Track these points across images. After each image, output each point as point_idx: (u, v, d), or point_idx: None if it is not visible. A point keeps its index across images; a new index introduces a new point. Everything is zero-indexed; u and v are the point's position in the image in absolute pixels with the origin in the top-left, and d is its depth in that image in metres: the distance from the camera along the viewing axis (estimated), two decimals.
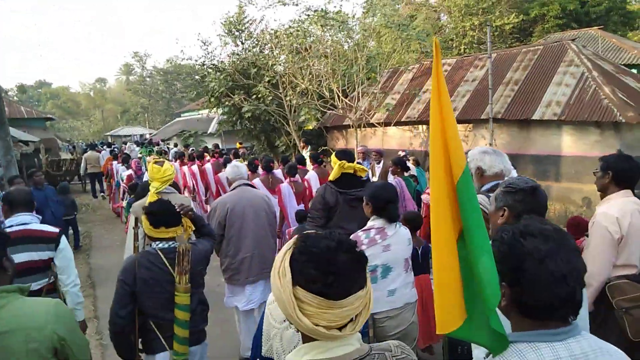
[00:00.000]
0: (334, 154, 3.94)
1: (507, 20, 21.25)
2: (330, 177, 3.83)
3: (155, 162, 3.89)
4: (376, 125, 12.85)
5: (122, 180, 10.23)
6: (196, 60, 15.73)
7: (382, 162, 7.87)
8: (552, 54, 11.13)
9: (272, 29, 14.61)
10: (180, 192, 4.75)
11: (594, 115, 9.16)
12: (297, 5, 13.29)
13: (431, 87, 1.47)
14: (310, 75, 12.24)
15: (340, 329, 1.11)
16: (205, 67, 15.94)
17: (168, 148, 20.58)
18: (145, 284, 2.52)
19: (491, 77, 10.36)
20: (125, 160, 12.11)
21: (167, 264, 2.54)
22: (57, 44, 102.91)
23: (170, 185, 3.89)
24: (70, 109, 61.87)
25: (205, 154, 11.59)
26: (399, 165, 5.84)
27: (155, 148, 18.78)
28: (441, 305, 1.26)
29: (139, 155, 15.96)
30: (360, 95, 11.93)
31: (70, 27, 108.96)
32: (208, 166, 9.00)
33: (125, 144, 23.21)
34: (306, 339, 1.17)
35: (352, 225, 3.46)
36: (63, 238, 3.04)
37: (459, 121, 11.81)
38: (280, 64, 12.27)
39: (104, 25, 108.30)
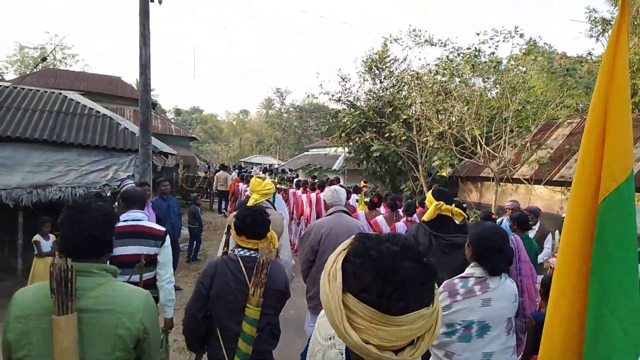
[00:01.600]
0: (429, 192, 3.67)
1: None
2: (425, 217, 3.52)
3: (258, 177, 3.95)
4: (523, 180, 11.23)
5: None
6: (333, 95, 15.70)
7: (538, 223, 6.49)
8: None
9: (414, 70, 14.03)
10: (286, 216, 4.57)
11: None
12: (444, 45, 12.53)
13: (602, 59, 1.18)
14: (450, 119, 11.23)
15: (396, 352, 0.94)
16: (340, 102, 15.83)
17: (292, 176, 20.90)
18: (220, 289, 2.50)
19: None
20: (248, 181, 12.39)
21: (245, 273, 2.50)
22: (211, 77, 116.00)
23: (267, 200, 3.95)
24: (214, 134, 67.97)
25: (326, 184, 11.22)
26: (518, 221, 5.18)
27: (285, 175, 19.15)
28: None
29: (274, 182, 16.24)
30: (506, 144, 10.55)
31: (225, 64, 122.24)
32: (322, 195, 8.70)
33: (251, 169, 24.18)
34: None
35: (443, 274, 3.06)
36: (167, 237, 3.24)
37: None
38: (418, 104, 11.47)
39: (254, 62, 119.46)
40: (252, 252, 2.59)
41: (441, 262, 3.33)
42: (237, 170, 19.09)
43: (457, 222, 3.58)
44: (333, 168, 24.37)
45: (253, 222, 2.57)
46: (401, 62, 14.90)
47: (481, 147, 10.95)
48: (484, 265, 2.45)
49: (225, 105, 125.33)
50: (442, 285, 2.46)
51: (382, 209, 7.01)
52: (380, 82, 15.35)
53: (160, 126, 20.51)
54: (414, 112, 11.94)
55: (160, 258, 3.19)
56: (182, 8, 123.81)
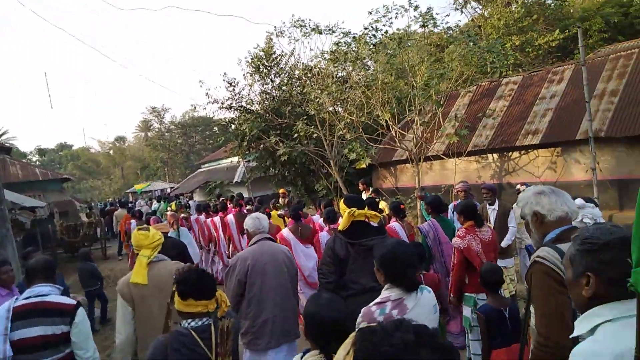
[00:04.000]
0: (342, 200, 3.67)
1: (550, 37, 19.62)
2: (340, 227, 3.55)
3: (139, 229, 3.37)
4: (442, 157, 10.91)
5: None
6: (222, 103, 14.22)
7: (497, 202, 5.89)
8: None
9: (304, 63, 13.14)
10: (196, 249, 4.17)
11: None
12: (333, 32, 11.78)
13: None
14: (353, 107, 10.52)
15: None
16: (232, 109, 14.42)
17: (187, 202, 18.99)
18: None
19: (587, 89, 8.44)
20: (139, 217, 10.75)
21: (203, 345, 2.20)
22: (74, 107, 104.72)
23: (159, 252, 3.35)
24: (91, 169, 61.57)
25: (229, 204, 10.35)
26: (433, 205, 5.17)
27: (174, 202, 17.23)
28: None
29: (167, 211, 14.31)
30: (417, 123, 10.10)
31: (90, 90, 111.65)
32: (230, 217, 8.14)
33: (151, 200, 21.68)
34: None
35: (367, 279, 3.32)
36: (80, 311, 2.85)
37: (543, 145, 9.87)
38: (322, 97, 10.57)
39: (121, 83, 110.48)
40: (203, 319, 2.29)
41: (364, 268, 3.32)
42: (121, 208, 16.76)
43: (374, 225, 3.56)
44: (235, 180, 22.79)
45: (198, 280, 2.30)
46: (289, 57, 13.91)
47: (394, 131, 10.40)
48: (400, 284, 2.34)
49: (97, 135, 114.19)
50: (360, 315, 2.36)
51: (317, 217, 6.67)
52: (272, 80, 14.24)
53: (21, 173, 17.26)
54: (316, 106, 10.99)
55: (74, 337, 2.78)
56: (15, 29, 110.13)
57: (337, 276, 3.43)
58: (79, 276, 7.55)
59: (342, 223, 3.53)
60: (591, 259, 1.40)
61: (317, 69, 12.17)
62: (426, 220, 5.64)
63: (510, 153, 10.69)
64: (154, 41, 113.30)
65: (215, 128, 57.05)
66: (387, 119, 10.07)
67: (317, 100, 10.86)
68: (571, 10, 23.71)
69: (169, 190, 32.37)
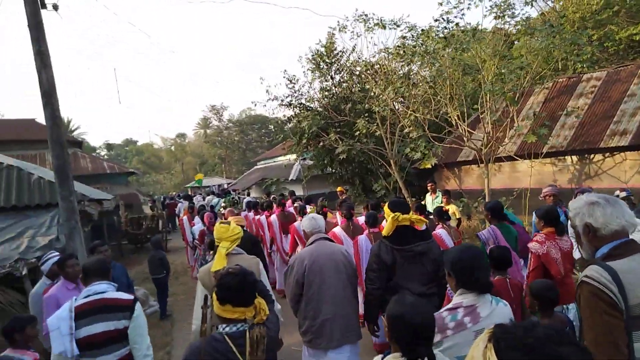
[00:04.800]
0: (386, 205, 3.65)
1: (634, 30, 17.97)
2: (384, 232, 3.53)
3: (221, 222, 3.52)
4: (516, 157, 10.14)
5: (195, 237, 8.90)
6: (282, 100, 14.11)
7: None
8: None
9: (366, 59, 12.71)
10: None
11: None
12: (397, 26, 11.27)
13: None
14: (422, 103, 9.99)
15: None
16: (291, 106, 14.28)
17: (239, 197, 19.10)
18: None
19: None
20: (192, 212, 10.91)
21: (237, 352, 2.17)
22: (141, 105, 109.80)
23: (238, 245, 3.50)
24: (154, 164, 64.24)
25: (284, 200, 10.08)
26: (492, 211, 4.85)
27: (236, 197, 17.38)
28: None
29: (222, 205, 14.47)
30: (488, 122, 9.42)
31: (154, 87, 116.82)
32: (273, 218, 8.10)
33: (208, 195, 22.08)
34: None
35: (414, 284, 3.39)
36: (138, 305, 2.92)
37: (632, 147, 8.91)
38: (386, 93, 10.11)
39: (184, 81, 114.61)
40: (238, 325, 2.27)
41: (411, 273, 3.41)
42: (184, 201, 17.11)
43: (419, 230, 3.50)
44: (290, 178, 22.81)
45: (239, 289, 2.27)
46: (351, 53, 13.54)
47: (463, 129, 9.77)
48: (472, 288, 2.30)
49: (160, 131, 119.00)
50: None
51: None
52: (332, 77, 13.94)
53: (91, 166, 18.07)
54: (381, 102, 10.55)
55: (132, 331, 2.85)
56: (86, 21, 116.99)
57: (384, 282, 3.46)
58: (148, 263, 7.54)
59: (386, 228, 3.49)
60: None
61: (379, 65, 11.72)
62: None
63: (592, 155, 9.75)
64: (220, 36, 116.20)
65: (271, 126, 58.27)
66: (456, 117, 9.45)
67: (381, 96, 10.42)
68: None
69: (225, 186, 33.06)
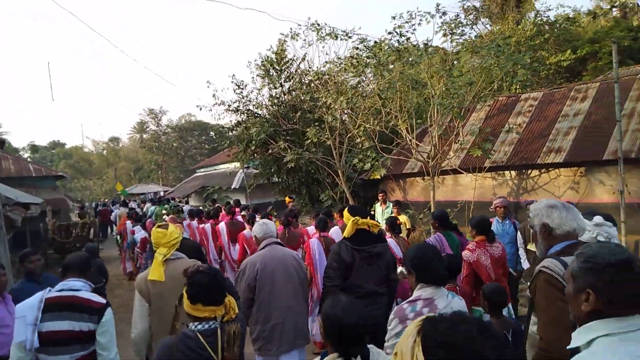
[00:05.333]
0: (346, 209, 3.92)
1: (562, 57, 19.44)
2: (345, 234, 3.75)
3: (159, 226, 3.42)
4: (462, 171, 10.45)
5: (136, 244, 8.65)
6: (229, 105, 13.73)
7: None
8: None
9: (316, 68, 12.70)
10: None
11: None
12: (350, 37, 11.38)
13: None
14: (372, 114, 10.09)
15: None
16: (239, 112, 13.94)
17: (181, 206, 18.41)
18: None
19: (619, 107, 8.06)
20: (137, 219, 10.66)
21: (209, 349, 2.19)
22: (70, 105, 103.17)
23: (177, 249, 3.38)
24: (83, 168, 60.58)
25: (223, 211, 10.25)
26: (439, 220, 5.11)
27: (167, 205, 16.67)
28: None
29: (164, 213, 13.77)
30: (436, 134, 9.67)
31: (84, 89, 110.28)
32: (221, 226, 8.01)
33: (144, 202, 21.02)
34: None
35: (369, 284, 3.66)
36: (109, 310, 2.83)
37: (565, 164, 9.47)
38: (338, 103, 10.11)
39: (118, 84, 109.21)
40: (210, 322, 2.27)
41: (367, 273, 3.67)
42: (122, 208, 16.15)
43: (375, 233, 3.80)
44: (233, 187, 22.26)
45: (209, 287, 2.27)
46: (301, 61, 13.47)
47: (410, 141, 9.95)
48: (429, 280, 2.49)
49: (90, 134, 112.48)
50: (392, 312, 2.49)
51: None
52: (281, 85, 13.78)
53: (14, 167, 16.60)
54: (332, 112, 10.52)
55: (100, 337, 2.76)
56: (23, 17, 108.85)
57: (342, 280, 3.62)
58: None
59: (347, 230, 3.73)
60: (593, 277, 1.46)
61: (330, 75, 11.74)
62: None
63: (529, 171, 10.28)
64: (169, 36, 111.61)
65: (212, 133, 56.90)
66: (405, 128, 9.62)
67: (332, 106, 10.40)
68: (581, 32, 23.66)
69: (162, 194, 31.69)
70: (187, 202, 20.34)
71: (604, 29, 22.94)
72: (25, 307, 2.66)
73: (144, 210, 16.52)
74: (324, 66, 12.55)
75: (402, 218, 7.59)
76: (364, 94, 10.28)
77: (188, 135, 54.41)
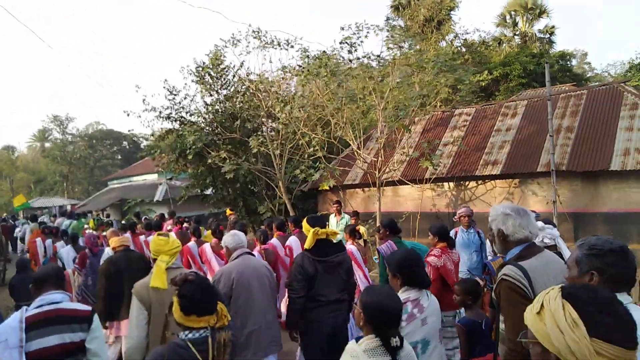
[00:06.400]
0: (305, 220, 3.95)
1: (480, 77, 20.88)
2: (306, 246, 3.81)
3: (159, 234, 3.45)
4: (407, 182, 10.62)
5: (62, 260, 7.69)
6: (160, 112, 12.85)
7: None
8: (603, 98, 9.87)
9: (257, 77, 12.33)
10: None
11: None
12: (291, 46, 11.21)
13: None
14: (320, 125, 9.98)
15: None
16: (171, 120, 13.10)
17: (111, 220, 16.94)
18: None
19: (551, 123, 8.70)
20: (56, 234, 9.56)
21: (199, 358, 2.15)
22: None
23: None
24: None
25: (164, 222, 10.15)
26: (389, 227, 5.23)
27: (92, 219, 15.24)
28: None
29: (85, 228, 12.51)
30: (381, 145, 9.79)
31: None
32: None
33: (54, 216, 19.00)
34: None
35: (332, 292, 3.81)
36: (96, 317, 2.76)
37: (501, 176, 10.02)
38: (285, 111, 9.85)
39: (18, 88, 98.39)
40: (201, 331, 2.23)
41: (329, 282, 3.80)
42: (30, 222, 14.43)
43: (333, 242, 3.94)
44: (155, 199, 20.91)
45: (203, 297, 2.26)
46: (239, 69, 13.01)
47: (356, 152, 9.96)
48: (415, 284, 2.69)
49: None
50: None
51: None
52: (217, 92, 13.20)
53: None
54: (284, 120, 10.21)
55: (91, 345, 2.67)
56: None
57: (307, 291, 3.70)
58: (12, 288, 6.32)
59: (307, 242, 3.79)
60: (596, 260, 1.81)
61: (275, 83, 11.47)
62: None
63: (467, 182, 10.74)
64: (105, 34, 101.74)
65: (126, 143, 53.51)
66: (351, 139, 9.61)
67: (280, 114, 10.11)
68: (492, 56, 25.67)
69: (69, 207, 28.99)
70: (108, 216, 18.71)
71: (511, 54, 25.05)
72: (5, 330, 2.49)
73: (55, 224, 14.90)
74: (263, 74, 12.23)
75: (361, 229, 7.48)
76: (315, 104, 10.11)
77: (98, 144, 50.70)
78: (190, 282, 2.30)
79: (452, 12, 26.87)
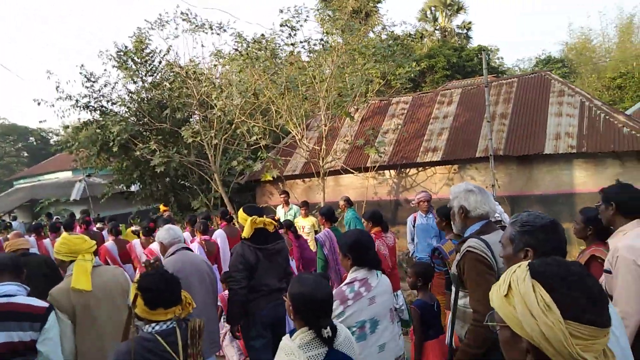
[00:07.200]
0: (241, 209, 3.89)
1: (408, 68, 21.35)
2: (244, 235, 3.74)
3: (71, 233, 3.24)
4: (352, 171, 10.42)
5: None
6: (77, 101, 11.59)
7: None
8: (533, 86, 10.32)
9: (193, 60, 11.51)
10: None
11: (615, 145, 8.23)
12: (224, 31, 10.56)
13: None
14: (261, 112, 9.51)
15: None
16: (89, 109, 11.87)
17: (9, 222, 15.21)
18: None
19: (489, 109, 8.92)
20: None
21: (170, 350, 2.10)
22: None
23: None
24: None
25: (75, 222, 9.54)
26: (326, 215, 5.51)
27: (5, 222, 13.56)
28: None
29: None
30: (324, 134, 9.52)
31: None
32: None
33: None
34: None
35: (273, 280, 3.76)
36: (52, 316, 2.54)
37: (441, 162, 10.17)
38: (222, 98, 9.21)
39: None
40: (168, 322, 2.17)
41: (271, 270, 3.75)
42: None
43: (271, 231, 3.84)
44: (72, 198, 19.13)
45: (168, 288, 2.19)
46: (166, 54, 12.08)
47: (299, 141, 9.61)
48: (364, 264, 2.67)
49: None
50: (334, 296, 2.42)
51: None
52: (142, 79, 12.17)
53: None
54: (221, 107, 9.54)
55: (42, 346, 2.43)
56: None
57: (248, 280, 3.60)
58: None
59: (245, 230, 3.71)
60: (529, 237, 1.86)
61: (206, 70, 10.76)
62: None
63: (408, 170, 10.79)
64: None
65: (33, 138, 48.79)
66: (295, 128, 9.24)
67: (215, 102, 9.46)
68: (417, 49, 26.45)
69: None
70: (14, 219, 16.78)
71: (435, 47, 25.98)
72: None
73: None
74: (198, 60, 11.46)
75: (311, 220, 7.16)
76: (255, 91, 9.56)
77: (0, 141, 45.89)
78: (150, 275, 2.18)
79: (378, 4, 27.36)
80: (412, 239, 5.84)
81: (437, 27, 33.20)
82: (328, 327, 1.94)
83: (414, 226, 5.80)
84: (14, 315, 2.42)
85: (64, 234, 3.19)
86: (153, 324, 2.16)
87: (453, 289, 2.58)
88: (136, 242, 6.52)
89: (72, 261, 2.93)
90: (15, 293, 2.53)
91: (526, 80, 10.74)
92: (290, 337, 2.02)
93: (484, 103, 10.40)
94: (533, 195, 9.29)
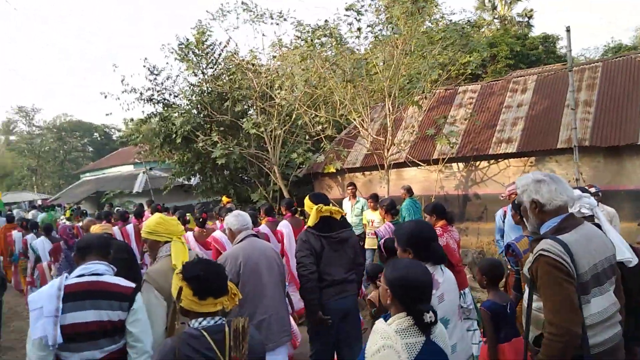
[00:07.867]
0: (307, 197, 3.80)
1: (470, 58, 20.43)
2: (309, 223, 3.67)
3: (160, 215, 3.10)
4: (418, 162, 9.94)
5: (36, 253, 7.24)
6: (141, 94, 11.79)
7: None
8: (619, 70, 9.37)
9: (254, 51, 11.39)
10: None
11: None
12: (284, 19, 10.32)
13: None
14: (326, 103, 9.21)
15: None
16: (153, 102, 12.05)
17: (85, 210, 15.83)
18: None
19: (573, 95, 8.12)
20: (32, 227, 8.74)
21: (216, 349, 1.94)
22: None
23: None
24: None
25: (144, 212, 9.40)
26: (388, 209, 5.43)
27: (68, 210, 14.15)
28: None
29: (61, 219, 11.56)
30: (390, 124, 9.07)
31: None
32: (129, 228, 7.36)
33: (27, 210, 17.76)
34: None
35: (339, 270, 3.60)
36: (139, 296, 2.45)
37: (515, 155, 9.45)
38: (285, 89, 9.01)
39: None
40: (216, 318, 2.03)
41: (335, 260, 3.63)
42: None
43: (337, 219, 3.72)
44: (135, 191, 19.74)
45: (216, 276, 2.07)
46: (225, 46, 12.04)
47: (364, 133, 9.21)
48: (428, 259, 2.44)
49: None
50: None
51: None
52: (203, 72, 12.20)
53: None
54: (286, 95, 9.35)
55: (132, 326, 2.35)
56: None
57: (316, 267, 3.51)
58: None
59: (311, 219, 3.65)
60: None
61: (268, 60, 10.59)
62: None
63: (478, 162, 10.13)
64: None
65: (97, 134, 51.25)
66: (360, 117, 8.86)
67: (285, 91, 9.25)
68: (476, 38, 25.34)
69: (39, 202, 27.45)
70: (79, 208, 17.58)
71: (496, 36, 24.76)
72: (41, 296, 2.25)
73: (30, 217, 13.80)
74: (258, 50, 11.32)
75: (380, 214, 6.78)
76: (319, 79, 9.27)
77: (68, 136, 48.47)
78: (195, 262, 2.11)
79: None
80: (502, 235, 5.29)
81: (496, 16, 31.71)
82: (430, 312, 1.82)
83: (503, 221, 5.24)
84: (103, 294, 2.37)
85: (158, 214, 3.15)
86: (200, 319, 2.02)
87: (526, 290, 2.28)
88: (189, 234, 6.52)
89: (166, 242, 2.91)
90: (103, 272, 2.49)
91: (611, 64, 9.77)
92: (385, 321, 1.91)
93: (563, 90, 9.61)
94: (624, 190, 8.42)
